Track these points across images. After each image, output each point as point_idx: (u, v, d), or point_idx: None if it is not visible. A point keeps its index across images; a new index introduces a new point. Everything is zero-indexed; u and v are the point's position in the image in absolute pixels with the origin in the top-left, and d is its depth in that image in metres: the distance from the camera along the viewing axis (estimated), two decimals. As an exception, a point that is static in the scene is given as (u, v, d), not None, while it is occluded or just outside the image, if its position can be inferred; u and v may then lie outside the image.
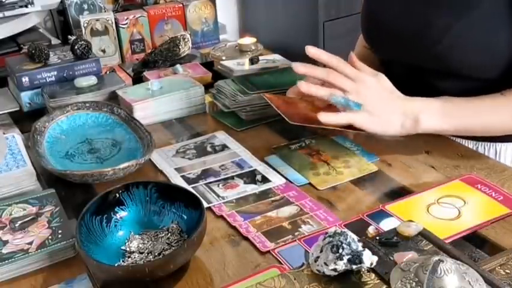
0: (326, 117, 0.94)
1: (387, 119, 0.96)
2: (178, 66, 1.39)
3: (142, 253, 0.79)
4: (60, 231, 0.83)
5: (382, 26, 1.13)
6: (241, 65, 1.44)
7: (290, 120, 0.98)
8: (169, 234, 0.81)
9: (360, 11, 1.22)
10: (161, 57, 1.48)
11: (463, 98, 0.98)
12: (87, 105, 1.18)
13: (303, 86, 0.96)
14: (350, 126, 0.98)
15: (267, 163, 1.02)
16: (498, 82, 0.99)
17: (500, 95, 0.97)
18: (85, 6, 1.71)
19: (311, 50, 0.97)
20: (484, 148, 1.09)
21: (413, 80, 1.01)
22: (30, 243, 0.81)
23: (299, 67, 0.97)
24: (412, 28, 1.05)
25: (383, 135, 0.98)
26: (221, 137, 1.12)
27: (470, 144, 1.09)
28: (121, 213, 0.83)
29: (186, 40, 1.52)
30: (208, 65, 1.49)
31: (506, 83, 0.98)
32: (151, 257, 0.78)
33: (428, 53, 1.03)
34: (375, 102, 0.95)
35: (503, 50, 0.98)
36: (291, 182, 0.95)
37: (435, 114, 0.96)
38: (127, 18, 1.60)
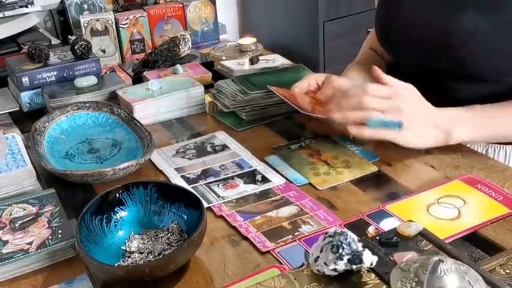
0: (357, 131, 0.94)
1: (422, 133, 0.96)
2: (178, 66, 1.39)
3: (142, 253, 0.79)
4: (60, 231, 0.83)
5: (400, 26, 1.11)
6: (241, 65, 1.44)
7: (301, 110, 1.00)
8: (169, 234, 0.81)
9: (376, 7, 1.19)
10: (161, 57, 1.48)
11: (492, 105, 0.98)
12: (87, 105, 1.18)
13: (336, 115, 0.97)
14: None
15: (267, 163, 1.02)
16: None
17: None
18: (85, 6, 1.71)
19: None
20: (494, 150, 1.08)
21: (421, 82, 0.99)
22: (30, 243, 0.81)
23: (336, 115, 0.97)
24: (435, 30, 1.02)
25: (413, 147, 0.97)
26: (221, 137, 1.12)
27: (480, 146, 1.08)
28: (121, 213, 0.83)
29: (186, 40, 1.52)
30: (208, 65, 1.49)
31: None
32: (151, 257, 0.78)
33: (449, 57, 1.01)
34: (411, 117, 0.94)
35: None
36: (291, 182, 0.95)
37: (467, 126, 0.97)
38: (127, 18, 1.60)
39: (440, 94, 0.97)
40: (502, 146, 1.07)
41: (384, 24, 1.16)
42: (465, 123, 0.97)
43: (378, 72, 0.97)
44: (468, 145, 1.08)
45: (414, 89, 0.97)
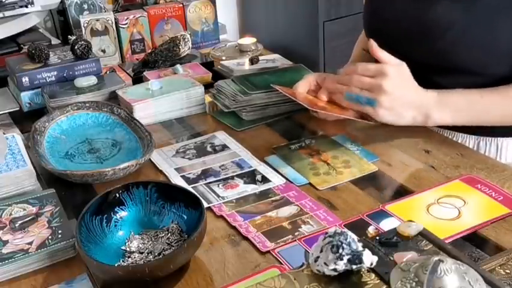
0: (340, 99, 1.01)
1: (400, 113, 0.98)
2: (178, 66, 1.39)
3: (142, 253, 0.79)
4: (60, 231, 0.83)
5: (385, 22, 1.13)
6: (241, 65, 1.44)
7: (309, 107, 1.03)
8: (169, 234, 0.81)
9: (363, 8, 1.22)
10: (161, 57, 1.48)
11: (476, 90, 0.99)
12: (87, 105, 1.18)
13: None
14: (361, 116, 1.03)
15: (267, 163, 1.02)
16: (501, 77, 0.99)
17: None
18: (85, 6, 1.71)
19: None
20: (486, 143, 1.09)
21: (415, 76, 1.00)
22: (30, 243, 0.81)
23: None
24: (416, 24, 1.05)
25: (390, 124, 1.01)
26: (221, 137, 1.12)
27: (472, 139, 1.10)
28: (121, 213, 0.83)
29: (186, 40, 1.52)
30: (208, 65, 1.49)
31: (510, 78, 0.98)
32: (151, 257, 0.78)
33: (431, 49, 1.03)
34: (392, 96, 0.97)
35: (506, 45, 0.98)
36: (291, 182, 0.95)
37: (447, 109, 0.98)
38: (127, 18, 1.60)
39: (426, 87, 0.99)
40: (493, 139, 1.08)
41: (370, 19, 1.19)
42: (445, 106, 0.98)
43: (374, 47, 1.00)
44: (460, 140, 1.09)
45: (404, 67, 0.99)
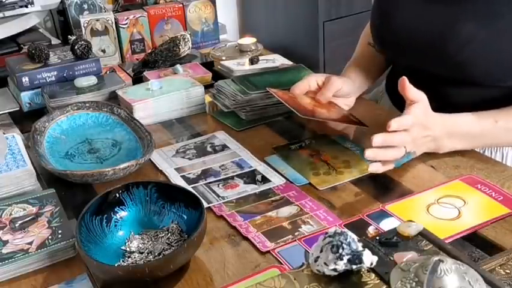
0: (377, 167, 0.93)
1: (420, 149, 0.97)
2: (178, 66, 1.39)
3: (142, 253, 0.79)
4: (60, 231, 0.83)
5: (396, 28, 1.10)
6: (241, 65, 1.44)
7: (299, 114, 0.99)
8: (169, 234, 0.81)
9: (371, 7, 1.18)
10: (161, 57, 1.48)
11: (490, 115, 0.98)
12: (87, 105, 1.18)
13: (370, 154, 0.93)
14: (353, 122, 1.01)
15: (267, 163, 1.02)
16: None
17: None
18: (85, 6, 1.71)
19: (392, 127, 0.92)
20: (491, 152, 1.08)
21: (415, 84, 0.99)
22: (30, 243, 0.81)
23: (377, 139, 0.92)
24: (431, 35, 1.02)
25: None
26: (221, 137, 1.12)
27: (477, 148, 1.09)
28: (121, 213, 0.83)
29: (186, 40, 1.52)
30: (208, 65, 1.49)
31: None
32: (151, 257, 0.78)
33: (445, 61, 1.01)
34: (420, 140, 0.95)
35: None
36: (291, 182, 0.95)
37: (456, 138, 0.98)
38: (127, 18, 1.60)
39: (434, 97, 0.96)
40: (498, 148, 1.07)
41: (380, 24, 1.15)
42: (455, 135, 0.97)
43: (405, 84, 0.93)
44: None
45: (425, 103, 0.94)
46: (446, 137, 0.97)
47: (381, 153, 0.91)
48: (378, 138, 0.90)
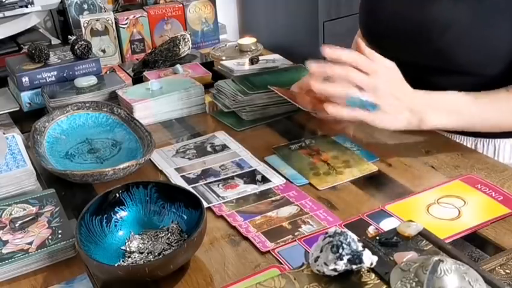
0: (335, 110, 0.92)
1: (396, 117, 0.95)
2: (178, 66, 1.39)
3: (142, 253, 0.79)
4: (60, 231, 0.83)
5: (381, 22, 1.12)
6: (241, 65, 1.44)
7: (306, 108, 1.01)
8: (169, 234, 0.81)
9: (359, 6, 1.21)
10: (161, 57, 1.48)
11: (470, 94, 0.97)
12: (87, 105, 1.18)
13: (315, 86, 0.94)
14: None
15: (267, 163, 1.02)
16: (499, 78, 0.99)
17: (506, 91, 0.97)
18: (85, 6, 1.71)
19: (327, 51, 0.94)
20: (483, 145, 1.09)
21: (410, 77, 0.99)
22: (30, 243, 0.81)
23: (313, 65, 0.95)
24: (412, 24, 1.04)
25: (386, 129, 0.97)
26: (221, 137, 1.12)
27: (469, 141, 1.09)
28: (121, 213, 0.83)
29: (186, 40, 1.52)
30: (208, 65, 1.49)
31: (508, 79, 0.98)
32: (151, 257, 0.78)
33: (428, 49, 1.02)
34: (388, 99, 0.93)
35: (505, 45, 0.97)
36: (291, 182, 0.95)
37: (441, 113, 0.96)
38: (127, 18, 1.60)
39: (422, 88, 0.97)
40: (490, 140, 1.08)
41: (367, 18, 1.17)
42: (439, 109, 0.95)
43: (363, 46, 0.95)
44: (457, 140, 1.09)
45: (396, 68, 0.95)
46: (427, 109, 0.95)
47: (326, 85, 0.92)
48: (327, 50, 0.93)
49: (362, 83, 0.93)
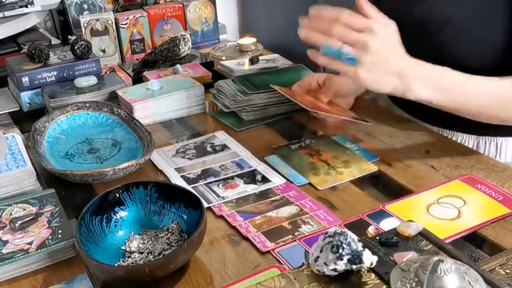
0: (313, 55, 0.89)
1: (381, 79, 0.89)
2: (178, 66, 1.39)
3: (142, 253, 0.79)
4: (60, 231, 0.83)
5: (384, 12, 1.12)
6: (241, 65, 1.44)
7: (307, 107, 1.01)
8: (169, 234, 0.81)
9: None
10: (161, 57, 1.48)
11: (464, 74, 0.93)
12: (87, 105, 1.18)
13: (302, 33, 0.92)
14: (356, 118, 1.00)
15: (267, 163, 1.02)
16: (497, 70, 0.98)
17: (500, 80, 0.95)
18: (85, 6, 1.71)
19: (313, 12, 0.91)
20: (485, 143, 1.08)
21: None
22: (30, 243, 0.81)
23: (314, 10, 0.91)
24: (415, 14, 1.04)
25: (368, 89, 0.93)
26: (221, 137, 1.12)
27: (471, 139, 1.09)
28: (121, 213, 0.83)
29: (186, 40, 1.52)
30: (208, 65, 1.49)
31: (505, 70, 0.97)
32: (151, 257, 0.78)
33: (428, 43, 1.02)
34: (376, 57, 0.88)
35: (501, 39, 0.97)
36: (291, 182, 0.95)
37: (429, 84, 0.91)
38: (127, 18, 1.60)
39: None
40: (492, 138, 1.08)
41: None
42: (427, 80, 0.91)
43: (362, 2, 0.89)
44: (459, 140, 1.09)
45: (393, 28, 0.90)
46: (416, 78, 0.90)
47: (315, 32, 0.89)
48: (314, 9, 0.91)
49: (348, 38, 0.87)
